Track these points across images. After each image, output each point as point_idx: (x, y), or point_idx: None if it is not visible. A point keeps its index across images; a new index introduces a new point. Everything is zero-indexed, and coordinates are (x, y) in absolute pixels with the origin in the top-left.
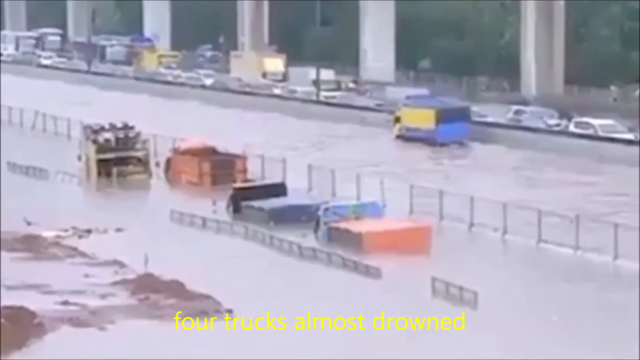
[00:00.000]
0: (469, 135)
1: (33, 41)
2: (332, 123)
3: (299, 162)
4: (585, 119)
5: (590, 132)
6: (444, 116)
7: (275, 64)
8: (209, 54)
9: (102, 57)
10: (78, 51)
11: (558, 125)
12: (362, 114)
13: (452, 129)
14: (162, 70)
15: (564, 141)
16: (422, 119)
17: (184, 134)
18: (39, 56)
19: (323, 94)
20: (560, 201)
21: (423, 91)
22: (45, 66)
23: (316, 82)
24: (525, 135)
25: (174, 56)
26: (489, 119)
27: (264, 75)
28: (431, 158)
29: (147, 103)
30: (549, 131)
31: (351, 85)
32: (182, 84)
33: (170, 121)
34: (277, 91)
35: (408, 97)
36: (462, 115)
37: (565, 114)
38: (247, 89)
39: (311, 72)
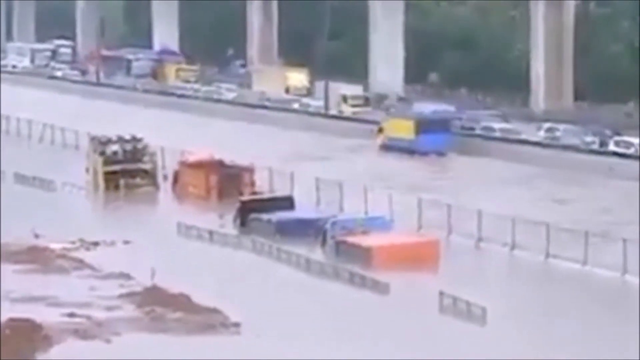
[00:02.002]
0: (450, 145)
1: (49, 53)
2: (320, 135)
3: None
4: (625, 138)
5: (631, 151)
6: (424, 126)
7: (299, 78)
8: (241, 70)
9: (128, 71)
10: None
11: (593, 143)
12: (367, 127)
13: (432, 139)
14: (179, 83)
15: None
16: (403, 129)
17: (192, 146)
18: (53, 68)
19: (350, 109)
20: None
21: (449, 107)
22: (56, 77)
23: (326, 97)
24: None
25: (192, 70)
26: (523, 136)
27: (287, 89)
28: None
29: (158, 116)
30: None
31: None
32: (195, 97)
33: (177, 134)
34: (295, 106)
35: (434, 113)
36: (443, 125)
37: (608, 132)
38: (267, 104)
39: (339, 87)
